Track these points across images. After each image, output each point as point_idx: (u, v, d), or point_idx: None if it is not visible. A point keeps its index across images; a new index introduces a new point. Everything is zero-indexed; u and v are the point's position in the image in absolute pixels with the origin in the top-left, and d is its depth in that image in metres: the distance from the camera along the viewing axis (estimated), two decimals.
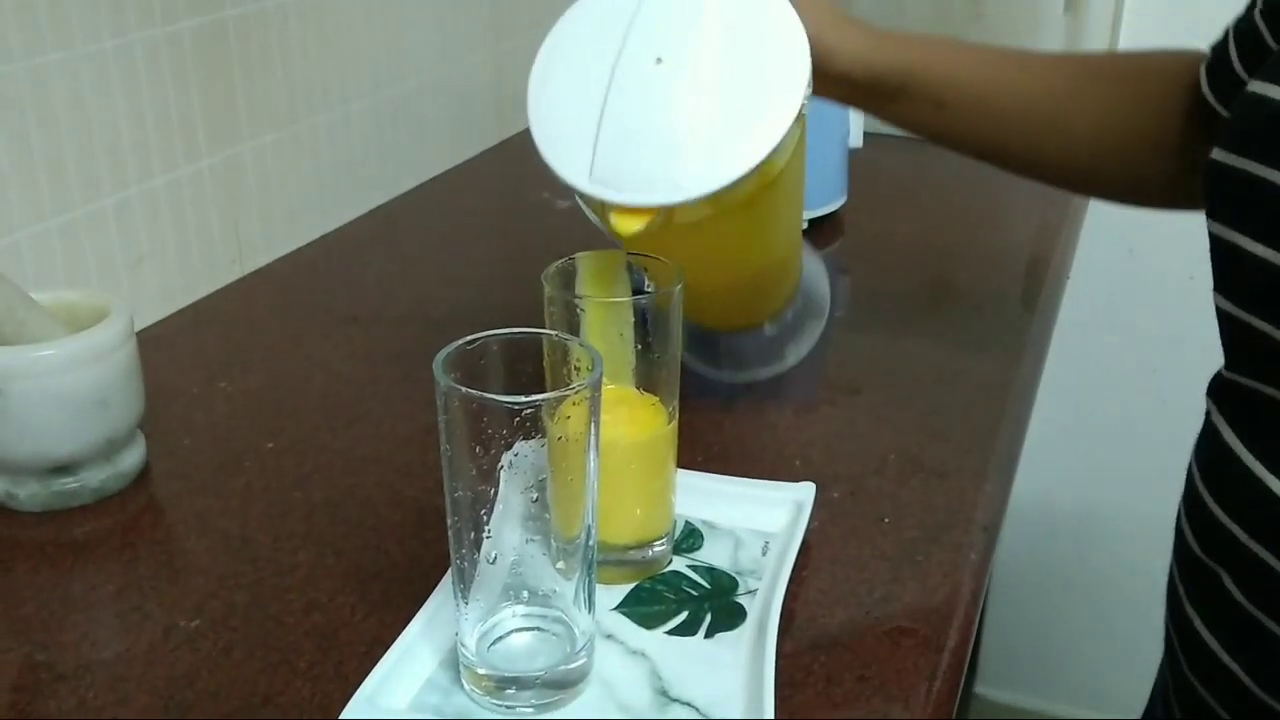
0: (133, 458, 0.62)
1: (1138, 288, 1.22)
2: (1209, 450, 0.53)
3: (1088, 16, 1.19)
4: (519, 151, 1.22)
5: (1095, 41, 1.21)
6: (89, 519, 0.60)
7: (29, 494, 0.59)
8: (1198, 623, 0.54)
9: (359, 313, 0.84)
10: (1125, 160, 0.65)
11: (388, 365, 0.76)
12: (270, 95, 0.89)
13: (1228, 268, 0.50)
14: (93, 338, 0.58)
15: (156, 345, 0.76)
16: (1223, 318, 0.51)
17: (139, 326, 0.74)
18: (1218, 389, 0.53)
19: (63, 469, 0.59)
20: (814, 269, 0.75)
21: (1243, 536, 0.50)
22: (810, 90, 0.56)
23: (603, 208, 0.55)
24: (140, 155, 0.78)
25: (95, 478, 0.60)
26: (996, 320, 0.85)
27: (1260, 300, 0.48)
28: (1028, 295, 0.91)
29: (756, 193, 0.56)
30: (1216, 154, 0.50)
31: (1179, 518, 0.56)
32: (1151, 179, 0.65)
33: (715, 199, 0.54)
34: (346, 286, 0.89)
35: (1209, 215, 0.50)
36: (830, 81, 0.63)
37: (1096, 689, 1.47)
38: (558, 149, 0.56)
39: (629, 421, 0.53)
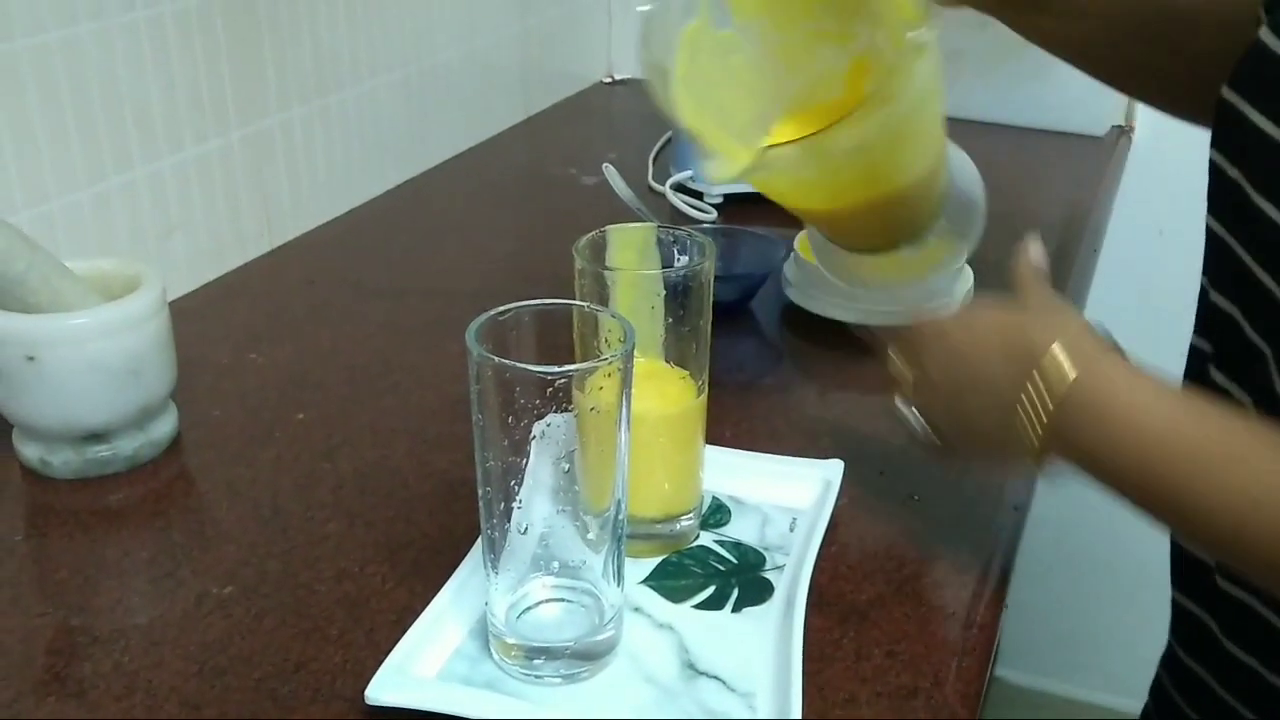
0: (165, 427, 0.63)
1: (1168, 268, 1.21)
2: None
3: None
4: (545, 127, 1.22)
5: (1118, 92, 1.21)
6: (122, 487, 0.60)
7: (63, 461, 0.60)
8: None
9: (386, 286, 0.84)
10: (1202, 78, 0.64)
11: (415, 338, 0.76)
12: (299, 69, 0.89)
13: (1219, 192, 0.51)
14: (127, 307, 0.59)
15: (187, 317, 0.76)
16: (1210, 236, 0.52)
17: (169, 298, 0.75)
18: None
19: (96, 437, 0.60)
20: (964, 185, 0.68)
21: None
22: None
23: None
24: (171, 127, 0.78)
25: (128, 446, 0.61)
26: None
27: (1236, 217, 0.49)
28: (1057, 276, 0.90)
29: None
30: (1224, 89, 0.50)
31: None
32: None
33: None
34: (374, 260, 0.89)
35: (1212, 144, 0.51)
36: None
37: (1118, 673, 1.47)
38: None
39: (658, 395, 0.53)
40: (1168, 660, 0.59)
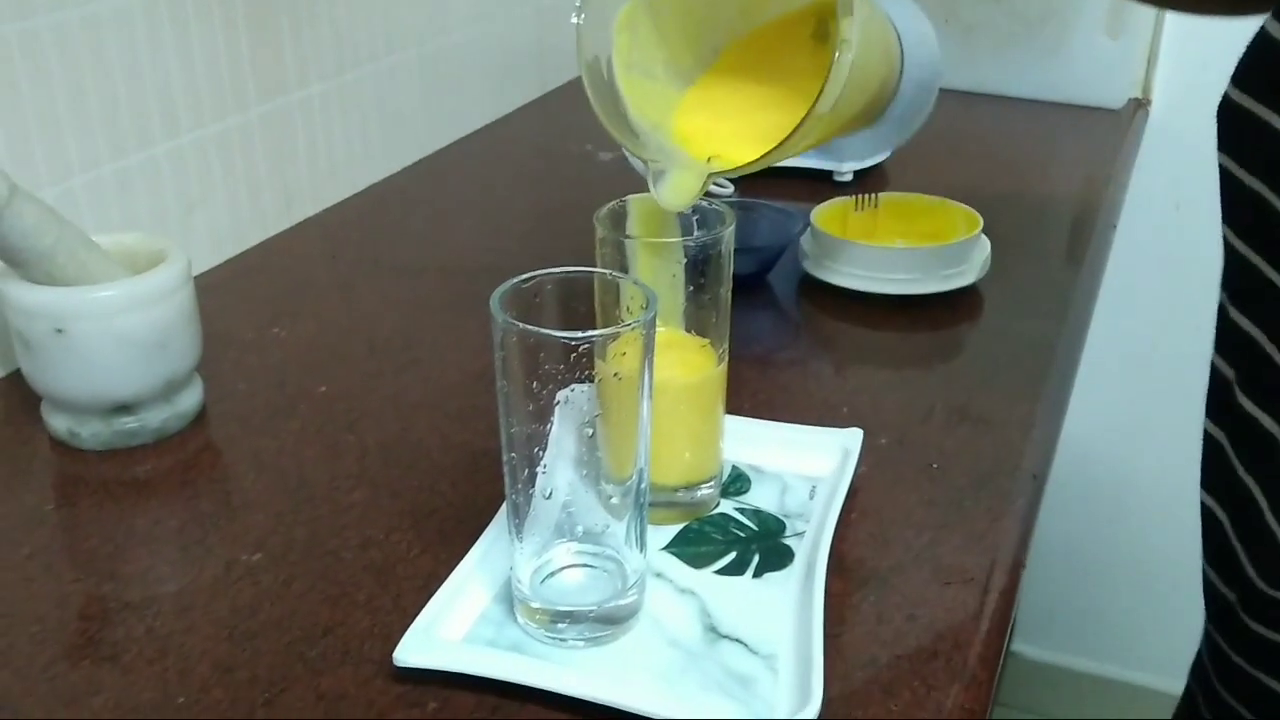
0: (191, 399, 0.64)
1: (1184, 243, 1.21)
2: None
3: (1129, 39, 1.18)
4: (561, 104, 1.22)
5: (1134, 65, 1.21)
6: (149, 458, 0.61)
7: (91, 433, 0.61)
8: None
9: (405, 262, 0.85)
10: None
11: (434, 314, 0.77)
12: (318, 46, 0.89)
13: (1230, 199, 0.48)
14: (153, 279, 0.60)
15: (210, 293, 0.77)
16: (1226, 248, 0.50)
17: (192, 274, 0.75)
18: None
19: (124, 409, 0.61)
20: (918, 55, 0.65)
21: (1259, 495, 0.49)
22: None
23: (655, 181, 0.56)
24: (192, 104, 0.78)
25: (155, 418, 0.62)
26: (1043, 274, 0.85)
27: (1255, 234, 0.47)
28: (1074, 249, 0.90)
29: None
30: (1230, 91, 0.48)
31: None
32: None
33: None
34: (392, 237, 0.90)
35: (1220, 147, 0.49)
36: None
37: (1137, 648, 1.47)
38: None
39: (679, 363, 0.53)
40: (1206, 638, 0.59)
